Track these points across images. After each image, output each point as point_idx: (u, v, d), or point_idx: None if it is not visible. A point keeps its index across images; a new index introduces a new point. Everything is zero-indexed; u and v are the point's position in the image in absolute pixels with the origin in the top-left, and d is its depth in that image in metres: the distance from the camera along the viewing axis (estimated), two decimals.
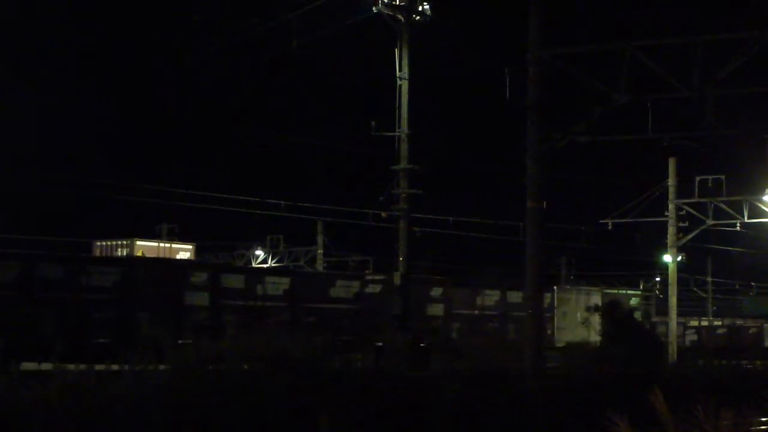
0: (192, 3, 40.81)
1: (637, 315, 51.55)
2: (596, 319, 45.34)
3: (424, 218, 53.71)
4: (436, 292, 45.65)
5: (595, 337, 46.29)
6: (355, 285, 42.67)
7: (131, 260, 41.22)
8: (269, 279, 39.20)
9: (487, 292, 48.63)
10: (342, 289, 41.56)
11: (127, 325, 32.78)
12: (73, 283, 32.83)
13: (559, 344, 46.34)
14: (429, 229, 57.30)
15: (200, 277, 36.37)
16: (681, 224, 50.82)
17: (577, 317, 49.70)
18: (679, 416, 17.44)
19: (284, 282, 39.35)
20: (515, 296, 48.57)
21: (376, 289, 43.27)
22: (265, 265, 69.28)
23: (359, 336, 35.68)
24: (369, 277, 46.53)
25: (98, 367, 20.61)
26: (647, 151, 48.77)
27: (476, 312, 47.80)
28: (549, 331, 47.10)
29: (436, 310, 45.62)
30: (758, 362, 39.21)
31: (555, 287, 54.68)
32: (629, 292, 58.60)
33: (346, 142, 62.99)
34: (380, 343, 38.87)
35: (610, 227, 52.23)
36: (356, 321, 40.50)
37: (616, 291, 58.60)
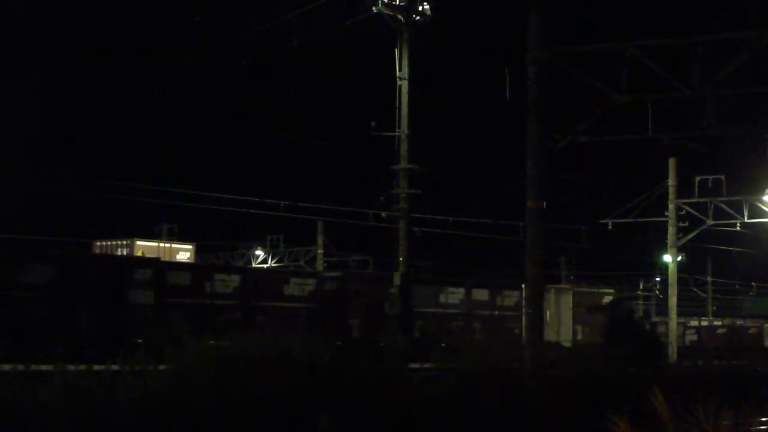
0: (192, 2, 40.79)
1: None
2: (569, 317, 44.55)
3: (424, 218, 53.75)
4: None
5: (567, 336, 45.46)
6: (311, 282, 41.28)
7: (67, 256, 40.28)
8: (218, 276, 38.16)
9: (451, 289, 46.72)
10: (297, 287, 40.44)
11: (64, 322, 32.05)
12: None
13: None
14: (429, 229, 57.33)
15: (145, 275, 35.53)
16: (681, 224, 50.85)
17: (546, 317, 46.83)
18: (679, 416, 17.45)
19: (234, 279, 38.25)
20: (481, 294, 47.45)
21: (334, 286, 42.12)
22: (264, 265, 69.35)
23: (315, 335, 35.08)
24: (327, 275, 45.95)
25: (97, 367, 20.55)
26: (647, 151, 48.81)
27: (440, 310, 45.83)
28: (517, 331, 44.83)
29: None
30: (758, 362, 39.19)
31: (523, 285, 52.52)
32: (602, 290, 56.34)
33: (346, 142, 62.91)
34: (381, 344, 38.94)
35: (610, 227, 52.25)
36: (312, 320, 39.38)
37: (587, 289, 56.36)
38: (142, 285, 35.07)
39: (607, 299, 52.12)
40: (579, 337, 48.32)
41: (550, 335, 43.99)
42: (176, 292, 35.97)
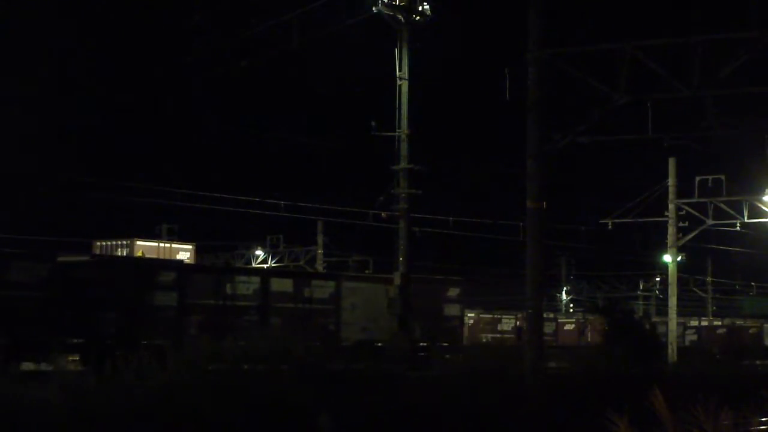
0: (192, 2, 40.79)
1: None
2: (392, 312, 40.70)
3: (424, 218, 53.78)
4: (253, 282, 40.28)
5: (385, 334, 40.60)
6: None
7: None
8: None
9: (241, 278, 39.86)
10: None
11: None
12: None
13: (346, 343, 39.17)
14: (429, 229, 57.38)
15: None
16: (681, 224, 50.85)
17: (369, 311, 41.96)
18: (679, 416, 17.45)
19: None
20: (282, 284, 40.66)
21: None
22: (265, 265, 69.33)
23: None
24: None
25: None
26: (647, 151, 48.84)
27: (225, 302, 38.98)
28: (332, 327, 40.24)
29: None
30: (758, 362, 39.20)
31: (342, 274, 46.43)
32: (450, 278, 49.44)
33: (346, 142, 62.94)
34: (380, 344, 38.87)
35: (610, 227, 52.25)
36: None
37: (429, 277, 49.84)
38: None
39: (453, 291, 46.59)
40: (417, 335, 41.65)
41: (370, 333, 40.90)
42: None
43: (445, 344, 41.72)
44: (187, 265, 40.84)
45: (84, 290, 33.74)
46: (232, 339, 24.84)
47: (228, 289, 37.92)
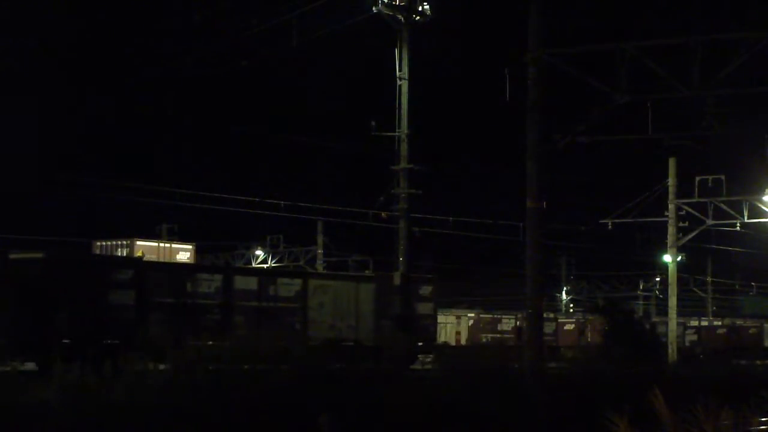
0: (193, 2, 40.81)
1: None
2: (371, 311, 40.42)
3: (424, 218, 53.80)
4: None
5: (365, 333, 40.16)
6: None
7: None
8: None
9: (203, 275, 38.94)
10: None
11: None
12: None
13: (313, 343, 36.38)
14: (429, 229, 57.41)
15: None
16: (681, 224, 50.85)
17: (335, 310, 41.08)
18: (679, 416, 17.45)
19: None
20: (245, 282, 39.57)
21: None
22: (265, 265, 69.36)
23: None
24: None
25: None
26: (647, 151, 48.83)
27: (187, 300, 37.82)
28: (298, 327, 39.30)
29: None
30: (758, 362, 39.20)
31: (309, 272, 46.07)
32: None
33: (346, 142, 62.96)
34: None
35: (610, 227, 52.26)
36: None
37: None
38: None
39: (425, 289, 44.76)
40: (385, 334, 40.75)
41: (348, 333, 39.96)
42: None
43: (419, 344, 41.12)
44: (146, 262, 39.28)
45: (36, 288, 32.85)
46: (192, 338, 24.22)
47: (189, 287, 36.94)
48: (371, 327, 40.75)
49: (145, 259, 41.95)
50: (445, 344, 47.41)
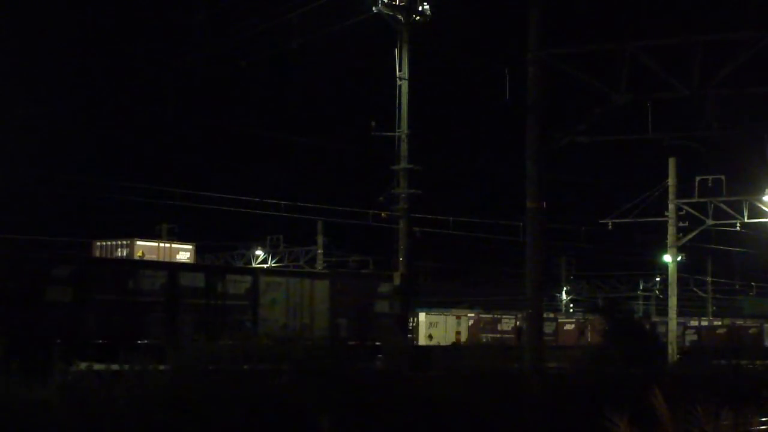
0: (193, 2, 40.80)
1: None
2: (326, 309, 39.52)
3: (424, 218, 53.79)
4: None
5: (319, 331, 38.26)
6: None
7: None
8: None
9: (146, 272, 37.63)
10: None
11: None
12: None
13: (263, 341, 37.83)
14: (429, 229, 57.39)
15: None
16: (681, 224, 50.83)
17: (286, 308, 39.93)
18: (679, 416, 17.45)
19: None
20: (193, 278, 38.39)
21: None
22: (265, 265, 69.35)
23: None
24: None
25: (98, 366, 20.55)
26: (647, 151, 48.81)
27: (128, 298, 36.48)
28: (249, 325, 38.05)
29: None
30: (758, 362, 39.14)
31: (260, 269, 45.09)
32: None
33: (346, 142, 62.99)
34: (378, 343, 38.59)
35: (610, 227, 52.24)
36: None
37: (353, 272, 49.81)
38: None
39: (386, 287, 43.20)
40: (342, 333, 39.71)
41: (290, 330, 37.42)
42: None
43: (377, 344, 40.04)
44: (87, 258, 38.38)
45: None
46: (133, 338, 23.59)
47: (131, 285, 35.92)
48: (327, 325, 39.80)
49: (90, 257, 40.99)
50: (436, 345, 46.55)
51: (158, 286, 36.72)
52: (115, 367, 20.65)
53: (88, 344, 30.10)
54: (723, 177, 48.98)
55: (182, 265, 44.00)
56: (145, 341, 26.37)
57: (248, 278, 39.92)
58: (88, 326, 33.76)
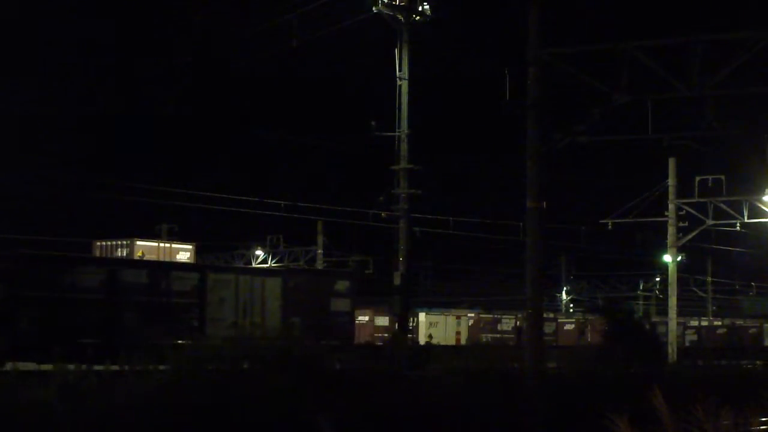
0: (193, 2, 40.82)
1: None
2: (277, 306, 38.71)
3: (424, 218, 53.79)
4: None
5: (272, 331, 38.00)
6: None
7: None
8: None
9: (85, 268, 36.87)
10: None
11: None
12: None
13: (213, 341, 36.35)
14: (429, 229, 57.40)
15: None
16: (681, 224, 50.82)
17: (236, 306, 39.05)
18: (679, 416, 17.44)
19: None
20: (136, 275, 37.43)
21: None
22: (264, 265, 69.31)
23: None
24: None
25: (97, 367, 20.52)
26: (647, 151, 48.82)
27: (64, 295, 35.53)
28: (195, 323, 37.13)
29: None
30: (758, 362, 39.16)
31: (208, 265, 44.68)
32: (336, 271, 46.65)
33: (346, 142, 62.96)
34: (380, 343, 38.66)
35: (610, 227, 52.22)
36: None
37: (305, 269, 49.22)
38: None
39: (341, 285, 42.79)
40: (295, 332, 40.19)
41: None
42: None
43: (334, 343, 38.98)
44: (20, 253, 36.69)
45: None
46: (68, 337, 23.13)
47: (68, 281, 35.07)
48: (278, 325, 37.94)
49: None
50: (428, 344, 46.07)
51: (96, 283, 35.67)
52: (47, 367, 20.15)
53: (20, 343, 29.60)
54: (723, 177, 48.98)
55: (122, 261, 43.04)
56: (82, 341, 25.79)
57: (195, 275, 38.82)
58: (21, 325, 33.01)
